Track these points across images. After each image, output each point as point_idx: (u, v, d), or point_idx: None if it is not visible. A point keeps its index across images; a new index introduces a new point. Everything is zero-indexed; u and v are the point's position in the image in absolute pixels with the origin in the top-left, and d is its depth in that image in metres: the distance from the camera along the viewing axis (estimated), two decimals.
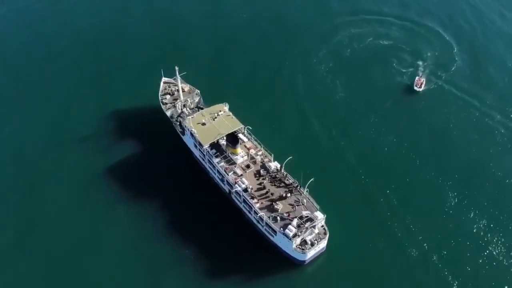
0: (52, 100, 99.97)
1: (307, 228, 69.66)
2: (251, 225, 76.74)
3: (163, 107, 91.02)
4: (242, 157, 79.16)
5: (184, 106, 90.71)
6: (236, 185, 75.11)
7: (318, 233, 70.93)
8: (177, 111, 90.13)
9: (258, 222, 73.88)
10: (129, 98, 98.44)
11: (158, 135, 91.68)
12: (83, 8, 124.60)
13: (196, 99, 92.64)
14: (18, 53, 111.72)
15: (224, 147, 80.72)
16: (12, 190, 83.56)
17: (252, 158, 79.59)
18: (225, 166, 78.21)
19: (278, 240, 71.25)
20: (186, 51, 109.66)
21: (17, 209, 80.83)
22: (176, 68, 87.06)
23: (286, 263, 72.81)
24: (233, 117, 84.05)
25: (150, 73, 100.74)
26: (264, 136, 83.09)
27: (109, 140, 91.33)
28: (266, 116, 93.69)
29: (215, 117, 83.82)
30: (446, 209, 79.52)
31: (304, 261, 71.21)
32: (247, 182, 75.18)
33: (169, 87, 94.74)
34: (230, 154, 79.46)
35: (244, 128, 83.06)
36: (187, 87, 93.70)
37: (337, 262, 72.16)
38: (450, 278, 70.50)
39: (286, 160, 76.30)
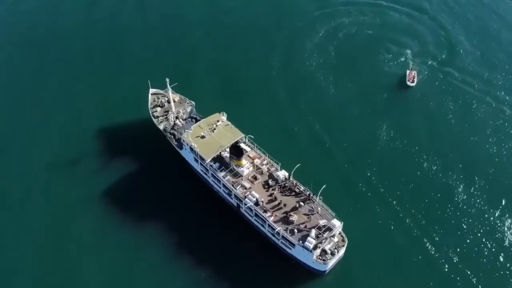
0: (34, 122, 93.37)
1: (326, 238, 68.01)
2: (264, 238, 74.33)
3: (154, 120, 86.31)
4: (248, 168, 76.16)
5: (177, 117, 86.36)
6: (246, 199, 72.28)
7: (337, 241, 69.46)
8: (170, 124, 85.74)
9: (273, 235, 71.58)
10: (117, 112, 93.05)
11: (152, 150, 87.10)
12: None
13: (188, 109, 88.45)
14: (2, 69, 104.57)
15: (227, 159, 77.40)
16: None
17: (258, 168, 76.80)
18: (232, 180, 75.06)
19: (297, 252, 69.35)
20: (172, 60, 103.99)
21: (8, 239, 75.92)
22: (167, 79, 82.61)
23: (306, 274, 71.12)
24: (233, 126, 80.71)
25: (136, 84, 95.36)
26: (267, 144, 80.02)
27: (100, 160, 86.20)
28: (266, 122, 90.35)
29: (214, 128, 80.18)
30: (459, 205, 78.84)
31: (324, 271, 69.76)
32: (257, 195, 72.46)
33: (158, 98, 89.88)
34: (235, 167, 76.28)
35: (245, 137, 79.96)
36: (177, 97, 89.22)
37: (356, 268, 70.92)
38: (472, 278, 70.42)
39: (295, 168, 73.97)
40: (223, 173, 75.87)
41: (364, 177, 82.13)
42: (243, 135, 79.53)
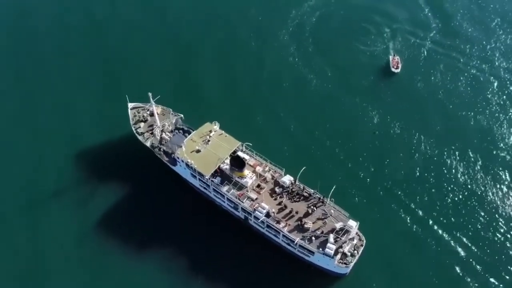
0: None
1: (345, 241, 66.33)
2: (277, 246, 71.76)
3: (140, 138, 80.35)
4: (251, 178, 72.58)
5: (163, 131, 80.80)
6: (256, 212, 69.03)
7: (355, 242, 67.95)
8: (157, 139, 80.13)
9: (289, 244, 69.16)
10: (97, 132, 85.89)
11: (141, 169, 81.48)
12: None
13: (173, 120, 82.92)
14: None
15: (227, 172, 73.31)
16: None
17: (260, 176, 73.35)
18: (236, 193, 71.35)
19: (316, 259, 67.44)
20: (148, 70, 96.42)
21: None
22: (150, 94, 76.74)
23: (325, 278, 69.56)
24: (227, 135, 76.41)
25: (112, 99, 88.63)
26: (264, 148, 76.42)
27: (85, 188, 79.76)
28: (256, 125, 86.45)
29: (208, 140, 75.54)
30: (467, 193, 78.81)
31: (345, 274, 68.41)
32: (267, 206, 69.33)
33: (139, 112, 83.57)
34: (237, 178, 72.45)
35: (242, 145, 75.97)
36: (159, 109, 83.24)
37: (375, 265, 69.91)
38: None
39: (301, 171, 71.04)
40: (226, 188, 71.95)
41: (367, 171, 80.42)
42: (239, 143, 75.51)
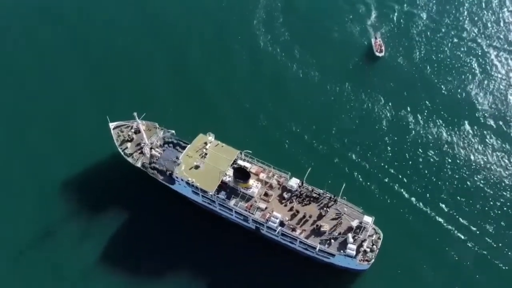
0: None
1: (364, 239, 65.53)
2: (293, 251, 70.11)
3: (129, 160, 75.18)
4: (256, 187, 69.78)
5: (152, 148, 75.91)
6: (270, 222, 66.70)
7: (373, 237, 67.31)
8: (147, 158, 75.25)
9: (306, 249, 67.66)
10: (79, 159, 79.52)
11: (135, 192, 76.94)
12: None
13: (161, 134, 78.04)
14: None
15: (231, 184, 70.04)
16: None
17: (266, 183, 70.66)
18: (244, 205, 68.50)
19: (337, 260, 66.41)
20: (123, 84, 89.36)
21: None
22: (135, 113, 71.62)
23: (346, 275, 68.97)
24: (224, 145, 72.73)
25: (90, 120, 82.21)
26: (262, 152, 73.62)
27: (82, 221, 74.42)
28: (250, 130, 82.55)
29: (205, 153, 71.54)
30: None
31: (366, 269, 68.01)
32: (279, 215, 67.05)
33: (122, 132, 77.93)
34: (242, 189, 69.43)
35: (241, 153, 72.61)
36: (144, 126, 77.69)
37: (393, 257, 69.30)
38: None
39: (308, 172, 68.96)
40: (233, 201, 68.86)
41: (369, 162, 79.00)
42: (238, 151, 72.10)
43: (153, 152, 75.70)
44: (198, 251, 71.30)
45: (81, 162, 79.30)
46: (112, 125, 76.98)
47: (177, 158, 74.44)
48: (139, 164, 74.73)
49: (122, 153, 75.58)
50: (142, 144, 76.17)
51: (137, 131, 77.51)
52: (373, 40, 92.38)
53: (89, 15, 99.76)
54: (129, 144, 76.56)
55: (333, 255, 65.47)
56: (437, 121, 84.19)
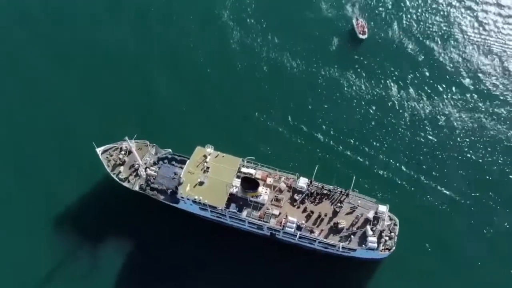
0: None
1: (383, 229, 65.30)
2: (314, 252, 69.24)
3: (126, 185, 70.95)
4: (266, 193, 67.58)
5: (147, 168, 71.78)
6: (286, 228, 65.11)
7: (390, 225, 67.14)
8: (143, 179, 71.20)
9: (326, 248, 66.88)
10: (72, 187, 74.65)
11: (135, 216, 72.93)
12: None
13: (153, 151, 73.91)
14: None
15: (239, 194, 67.42)
16: None
17: (274, 187, 68.53)
18: (257, 214, 66.38)
19: (358, 253, 66.07)
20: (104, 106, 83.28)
21: None
22: (126, 137, 67.00)
23: (367, 265, 69.05)
24: (224, 154, 69.55)
25: (73, 145, 76.64)
26: (261, 154, 71.52)
27: (85, 256, 70.11)
28: (246, 133, 79.27)
29: (207, 167, 68.18)
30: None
31: (385, 257, 68.13)
32: (295, 219, 65.48)
33: (111, 155, 72.98)
34: (252, 198, 67.09)
35: (243, 160, 69.78)
36: (133, 145, 72.93)
37: (412, 240, 69.47)
38: None
39: (315, 170, 67.16)
40: (245, 213, 66.51)
41: (370, 148, 77.95)
42: (240, 159, 69.21)
43: (149, 171, 71.64)
44: (214, 265, 69.30)
45: (73, 192, 74.37)
46: (99, 150, 71.84)
47: (175, 173, 71.24)
48: (136, 188, 70.66)
49: (117, 179, 71.05)
50: (136, 166, 71.85)
51: (128, 152, 72.91)
52: (354, 22, 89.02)
53: (69, 24, 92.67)
54: (121, 168, 71.96)
55: (354, 250, 65.04)
56: (434, 97, 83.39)
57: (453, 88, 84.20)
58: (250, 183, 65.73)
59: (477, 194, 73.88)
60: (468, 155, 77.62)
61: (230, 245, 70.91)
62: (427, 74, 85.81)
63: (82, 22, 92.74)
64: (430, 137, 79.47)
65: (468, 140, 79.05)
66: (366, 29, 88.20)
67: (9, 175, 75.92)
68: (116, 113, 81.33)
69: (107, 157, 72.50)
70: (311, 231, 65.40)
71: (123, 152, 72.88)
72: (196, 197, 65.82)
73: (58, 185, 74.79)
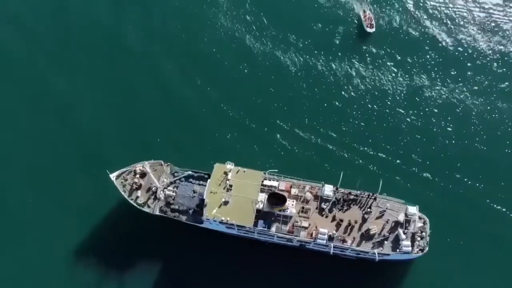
0: None
1: (415, 232, 64.55)
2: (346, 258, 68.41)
3: (146, 210, 68.32)
4: (292, 205, 65.83)
5: (164, 189, 69.11)
6: (318, 240, 63.83)
7: (421, 225, 66.33)
8: (163, 201, 68.64)
9: (359, 254, 66.07)
10: (88, 217, 71.55)
11: (156, 241, 70.59)
12: None
13: (168, 170, 71.07)
14: None
15: (265, 209, 65.40)
16: None
17: (300, 198, 66.73)
18: (286, 229, 64.77)
19: (392, 256, 65.36)
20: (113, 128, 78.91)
21: None
22: (146, 163, 65.14)
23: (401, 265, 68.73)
24: (245, 169, 67.07)
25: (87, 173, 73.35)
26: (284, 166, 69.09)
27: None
28: (263, 144, 76.55)
29: (229, 185, 65.76)
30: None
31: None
32: (325, 230, 64.12)
33: (126, 180, 69.79)
34: (279, 212, 65.29)
35: (265, 173, 67.52)
36: (147, 166, 70.00)
37: (442, 236, 68.97)
38: None
39: (341, 177, 65.42)
40: (274, 228, 64.80)
41: (392, 147, 76.46)
42: (262, 173, 66.97)
43: (167, 192, 69.02)
44: (250, 280, 68.24)
45: (90, 222, 71.38)
46: (113, 176, 68.64)
47: (194, 191, 69.02)
48: (157, 212, 68.04)
49: (135, 204, 68.27)
50: (154, 188, 69.01)
51: (143, 175, 69.89)
52: (361, 14, 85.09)
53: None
54: (139, 192, 69.06)
55: (388, 254, 64.35)
56: (455, 90, 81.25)
57: (476, 78, 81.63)
58: (277, 199, 63.81)
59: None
60: (487, 148, 76.52)
61: (260, 258, 69.51)
62: (441, 67, 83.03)
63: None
64: (449, 130, 78.05)
65: (496, 131, 77.57)
66: (373, 22, 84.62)
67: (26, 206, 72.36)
68: (124, 135, 77.48)
69: (122, 182, 69.39)
70: (344, 241, 64.27)
71: (138, 176, 69.76)
72: (223, 219, 63.72)
73: (72, 215, 71.57)
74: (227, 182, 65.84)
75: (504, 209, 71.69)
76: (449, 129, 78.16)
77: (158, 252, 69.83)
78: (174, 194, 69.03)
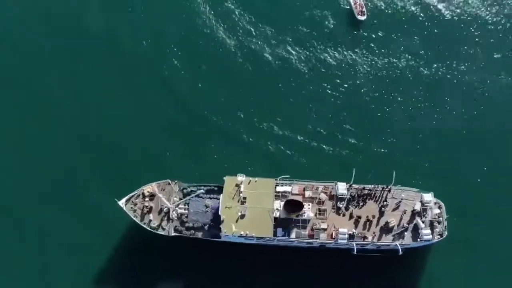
0: None
1: (434, 220, 64.98)
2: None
3: (161, 233, 66.92)
4: (309, 208, 65.27)
5: (176, 207, 67.73)
6: (339, 240, 63.69)
7: (438, 211, 66.55)
8: (177, 221, 67.36)
9: (379, 247, 66.25)
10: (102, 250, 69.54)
11: (176, 261, 69.25)
12: None
13: (176, 188, 69.45)
14: None
15: (282, 216, 64.66)
16: None
17: (314, 199, 66.12)
18: (306, 233, 64.38)
19: (414, 245, 65.77)
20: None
21: None
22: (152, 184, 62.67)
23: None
24: (256, 179, 66.02)
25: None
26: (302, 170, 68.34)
27: None
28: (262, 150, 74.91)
29: (243, 197, 64.69)
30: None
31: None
32: (345, 229, 63.93)
33: (135, 205, 67.91)
34: (297, 218, 64.73)
35: (277, 179, 66.52)
36: (154, 187, 68.24)
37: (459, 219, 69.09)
38: None
39: (353, 174, 64.79)
40: (293, 234, 64.38)
41: (394, 136, 75.64)
42: (274, 180, 65.99)
43: (179, 210, 67.68)
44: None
45: (104, 251, 69.76)
46: (122, 202, 66.70)
47: (206, 206, 67.81)
48: (173, 233, 66.78)
49: (149, 229, 66.77)
50: (166, 210, 67.49)
51: (152, 196, 68.17)
52: (352, 2, 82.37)
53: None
54: (151, 215, 67.47)
55: (408, 244, 64.78)
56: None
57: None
58: (294, 206, 63.14)
59: None
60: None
61: (283, 262, 69.05)
62: (439, 51, 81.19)
63: None
64: (455, 113, 77.31)
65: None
66: (364, 10, 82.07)
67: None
68: (123, 159, 74.92)
69: (131, 207, 67.58)
70: (364, 237, 64.30)
71: (147, 199, 67.96)
72: (242, 233, 62.94)
73: (85, 247, 69.73)
74: (241, 195, 64.74)
75: None
76: (455, 112, 77.43)
77: (174, 271, 68.77)
78: (186, 212, 67.72)
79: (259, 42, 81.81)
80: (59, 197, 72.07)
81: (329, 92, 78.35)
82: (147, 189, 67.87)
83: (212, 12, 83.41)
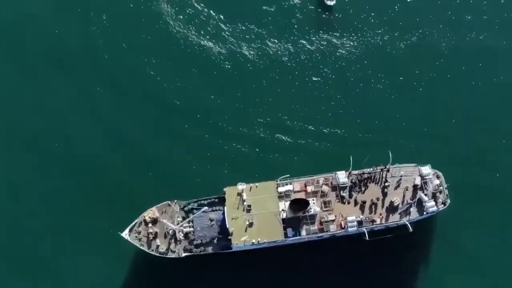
0: None
1: (435, 191, 66.05)
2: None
3: (173, 256, 65.78)
4: (314, 203, 65.27)
5: (181, 227, 66.62)
6: (349, 229, 64.17)
7: (438, 182, 67.61)
8: (185, 241, 66.38)
9: (388, 227, 67.17)
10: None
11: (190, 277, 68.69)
12: None
13: (177, 208, 68.16)
14: None
15: (289, 216, 64.49)
16: None
17: (317, 193, 66.11)
18: (315, 228, 64.53)
19: (421, 217, 66.81)
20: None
21: None
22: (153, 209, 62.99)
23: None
24: (256, 184, 65.34)
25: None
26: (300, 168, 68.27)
27: None
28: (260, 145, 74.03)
29: (248, 205, 64.05)
30: None
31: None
32: (353, 217, 64.38)
33: (140, 233, 66.38)
34: (303, 214, 64.70)
35: (278, 180, 66.08)
36: (156, 212, 66.85)
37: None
38: None
39: (351, 163, 64.99)
40: (304, 232, 64.42)
41: (381, 117, 75.94)
42: (274, 182, 65.57)
43: (185, 230, 66.61)
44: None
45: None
46: (125, 234, 65.07)
47: (211, 220, 66.89)
48: (182, 253, 65.79)
49: (159, 254, 65.57)
50: (171, 232, 66.23)
51: (154, 221, 66.74)
52: None
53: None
54: (158, 241, 66.12)
55: (415, 220, 65.92)
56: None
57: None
58: (300, 205, 62.97)
59: None
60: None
61: (295, 257, 69.05)
62: (411, 36, 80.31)
63: None
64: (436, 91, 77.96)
65: None
66: None
67: None
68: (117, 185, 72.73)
69: (136, 237, 66.05)
70: (373, 221, 64.97)
71: (149, 225, 66.48)
72: (253, 241, 62.54)
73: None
74: (245, 203, 64.07)
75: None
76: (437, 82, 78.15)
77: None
78: (192, 229, 66.69)
79: (233, 40, 79.31)
80: (60, 235, 69.95)
81: (314, 79, 77.43)
82: (148, 214, 66.40)
83: (180, 17, 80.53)
